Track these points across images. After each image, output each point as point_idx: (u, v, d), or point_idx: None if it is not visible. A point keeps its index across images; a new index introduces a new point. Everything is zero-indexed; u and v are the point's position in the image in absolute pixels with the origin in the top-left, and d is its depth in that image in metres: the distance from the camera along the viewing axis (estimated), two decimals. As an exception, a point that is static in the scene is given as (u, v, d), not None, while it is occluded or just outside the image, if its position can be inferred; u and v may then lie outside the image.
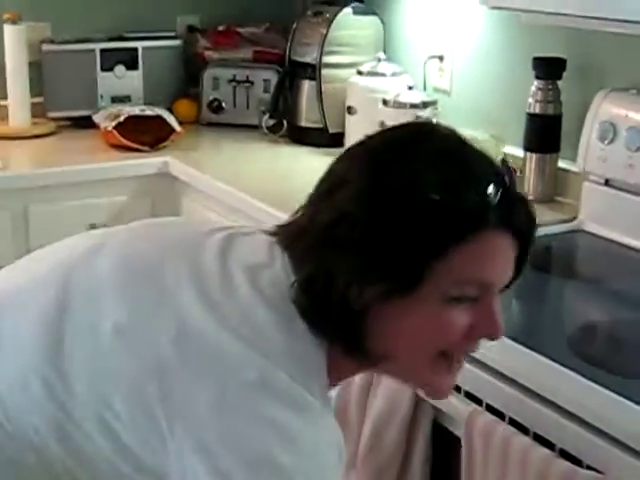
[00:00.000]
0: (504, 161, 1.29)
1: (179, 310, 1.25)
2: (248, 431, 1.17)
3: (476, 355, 1.69)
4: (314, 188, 1.34)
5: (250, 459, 1.16)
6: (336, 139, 3.07)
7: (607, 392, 1.49)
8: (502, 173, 1.26)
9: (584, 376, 1.54)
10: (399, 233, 1.20)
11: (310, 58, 3.11)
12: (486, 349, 1.67)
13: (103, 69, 3.32)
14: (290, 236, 1.32)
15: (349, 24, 3.08)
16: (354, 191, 1.24)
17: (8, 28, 3.17)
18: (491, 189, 1.21)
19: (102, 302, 1.30)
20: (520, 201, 1.27)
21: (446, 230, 1.18)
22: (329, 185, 1.31)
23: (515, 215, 1.24)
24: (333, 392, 1.37)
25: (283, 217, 2.40)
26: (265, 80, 3.36)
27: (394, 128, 1.39)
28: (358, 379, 1.91)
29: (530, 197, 2.50)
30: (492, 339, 1.31)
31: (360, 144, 1.34)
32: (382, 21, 3.12)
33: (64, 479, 1.33)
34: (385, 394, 1.85)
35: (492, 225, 1.21)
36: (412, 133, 1.34)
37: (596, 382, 1.52)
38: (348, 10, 3.07)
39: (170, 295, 1.28)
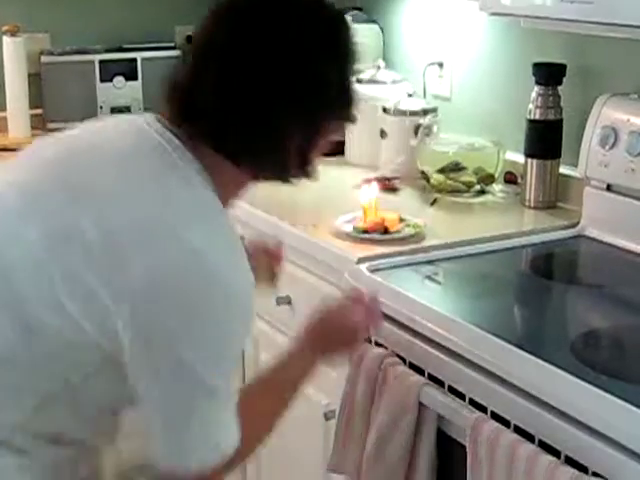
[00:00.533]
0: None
1: (92, 202, 1.43)
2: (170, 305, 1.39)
3: (480, 362, 1.70)
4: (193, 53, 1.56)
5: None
6: (336, 147, 3.06)
7: (612, 398, 1.48)
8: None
9: (589, 382, 1.53)
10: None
11: (309, 67, 3.09)
12: (493, 356, 1.68)
13: (102, 80, 3.32)
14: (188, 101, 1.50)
15: (348, 32, 3.07)
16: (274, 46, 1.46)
17: (7, 40, 3.18)
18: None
19: (18, 231, 1.45)
20: None
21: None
22: (208, 50, 1.51)
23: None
24: None
25: (281, 225, 2.41)
26: (264, 89, 3.34)
27: None
28: (362, 389, 1.91)
29: (531, 204, 2.52)
30: None
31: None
32: (381, 29, 3.12)
33: (59, 392, 1.48)
34: (389, 404, 1.84)
35: None
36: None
37: (601, 388, 1.51)
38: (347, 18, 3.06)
39: (80, 193, 1.45)
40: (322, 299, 1.88)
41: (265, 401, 1.68)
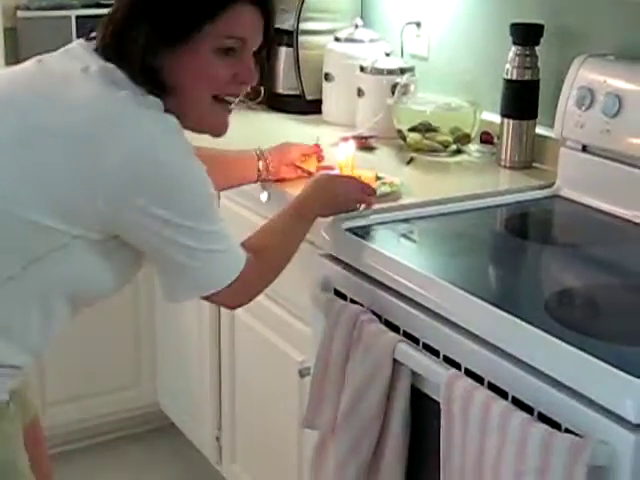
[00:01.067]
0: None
1: (61, 105, 1.68)
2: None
3: (454, 319, 1.70)
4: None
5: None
6: (313, 106, 3.06)
7: (585, 355, 1.48)
8: None
9: (562, 340, 1.53)
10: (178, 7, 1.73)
11: (287, 25, 3.07)
12: (467, 314, 1.69)
13: (79, 36, 3.21)
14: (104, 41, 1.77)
15: (326, -10, 3.06)
16: None
17: (-18, -6, 3.14)
18: None
19: None
20: None
21: (213, 3, 1.72)
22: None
23: None
24: None
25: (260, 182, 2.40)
26: (242, 47, 3.32)
27: None
28: (338, 346, 1.91)
29: (507, 164, 2.52)
30: (248, 84, 1.86)
31: None
32: (359, -13, 3.10)
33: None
34: (364, 361, 1.84)
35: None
36: None
37: (574, 346, 1.51)
38: (326, -24, 3.05)
39: (48, 97, 1.71)
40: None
41: (277, 233, 1.99)
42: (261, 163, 2.28)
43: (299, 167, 2.35)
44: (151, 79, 1.73)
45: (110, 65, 1.71)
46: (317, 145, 2.41)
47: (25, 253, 1.66)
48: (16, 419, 1.82)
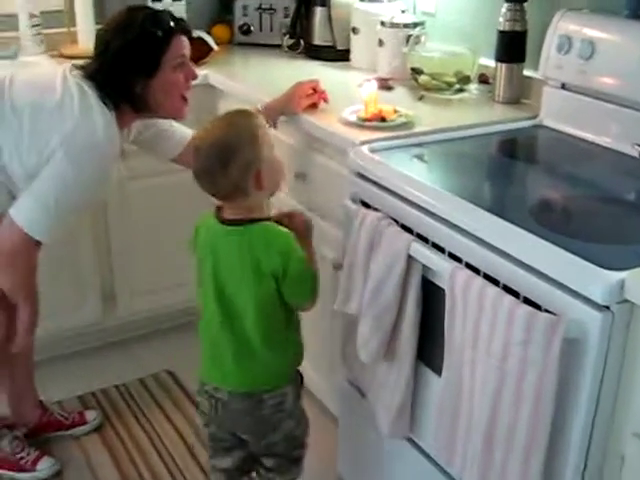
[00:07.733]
0: (179, 20, 2.18)
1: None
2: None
3: (457, 222, 1.69)
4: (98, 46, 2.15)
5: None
6: (343, 55, 3.02)
7: (562, 250, 1.47)
8: (173, 16, 2.17)
9: (543, 237, 1.52)
10: (146, 49, 2.10)
11: (322, -12, 3.02)
12: (467, 218, 1.67)
13: (154, 0, 3.24)
14: (92, 69, 2.15)
15: (353, -41, 2.99)
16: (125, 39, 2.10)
17: (76, -34, 3.10)
18: (172, 22, 2.14)
19: None
20: (181, 20, 2.19)
21: (164, 38, 2.11)
22: (103, 42, 2.14)
23: (181, 27, 2.16)
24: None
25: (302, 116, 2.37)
26: (285, 7, 3.29)
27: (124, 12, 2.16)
28: (363, 244, 1.90)
29: (500, 99, 2.48)
30: (194, 79, 2.22)
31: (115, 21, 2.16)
32: (380, -44, 3.02)
33: None
34: (384, 256, 1.84)
35: (178, 31, 2.14)
36: (131, 11, 2.15)
37: (553, 242, 1.50)
38: (352, -52, 2.98)
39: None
40: None
41: None
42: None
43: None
44: (132, 99, 2.13)
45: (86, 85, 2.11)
46: (316, 85, 2.44)
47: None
48: None
